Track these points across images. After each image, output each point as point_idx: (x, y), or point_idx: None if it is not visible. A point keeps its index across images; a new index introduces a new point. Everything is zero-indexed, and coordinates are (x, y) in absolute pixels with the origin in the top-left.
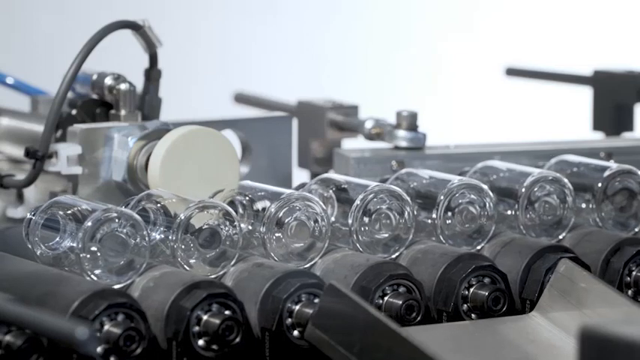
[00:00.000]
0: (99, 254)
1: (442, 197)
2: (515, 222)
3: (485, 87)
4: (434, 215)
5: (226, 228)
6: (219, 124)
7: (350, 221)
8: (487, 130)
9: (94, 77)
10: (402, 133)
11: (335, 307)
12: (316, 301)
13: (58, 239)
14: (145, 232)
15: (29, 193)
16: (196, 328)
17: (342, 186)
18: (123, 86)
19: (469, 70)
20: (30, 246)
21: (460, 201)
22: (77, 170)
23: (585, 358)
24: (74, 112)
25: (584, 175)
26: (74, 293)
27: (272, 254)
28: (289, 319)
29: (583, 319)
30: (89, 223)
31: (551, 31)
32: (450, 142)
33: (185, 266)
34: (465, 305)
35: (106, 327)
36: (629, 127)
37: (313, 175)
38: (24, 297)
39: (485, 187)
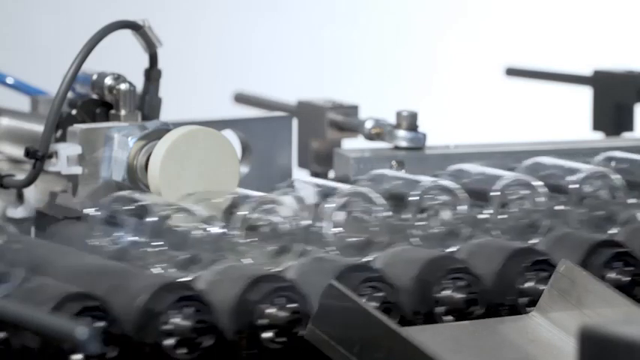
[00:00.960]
0: (163, 248)
1: (494, 193)
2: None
3: (485, 87)
4: (490, 210)
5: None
6: (219, 124)
7: (408, 216)
8: (487, 130)
9: (94, 77)
10: (402, 133)
11: (335, 307)
12: (379, 294)
13: (120, 233)
14: (207, 227)
15: (29, 193)
16: (263, 321)
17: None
18: (123, 86)
19: (469, 70)
20: (92, 241)
21: (512, 197)
22: (77, 170)
23: (585, 358)
24: (74, 112)
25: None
26: (142, 287)
27: (332, 248)
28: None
29: (583, 319)
30: (154, 218)
31: (551, 31)
32: (450, 142)
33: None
34: (524, 299)
35: (176, 320)
36: (629, 127)
37: (313, 175)
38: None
39: (538, 182)
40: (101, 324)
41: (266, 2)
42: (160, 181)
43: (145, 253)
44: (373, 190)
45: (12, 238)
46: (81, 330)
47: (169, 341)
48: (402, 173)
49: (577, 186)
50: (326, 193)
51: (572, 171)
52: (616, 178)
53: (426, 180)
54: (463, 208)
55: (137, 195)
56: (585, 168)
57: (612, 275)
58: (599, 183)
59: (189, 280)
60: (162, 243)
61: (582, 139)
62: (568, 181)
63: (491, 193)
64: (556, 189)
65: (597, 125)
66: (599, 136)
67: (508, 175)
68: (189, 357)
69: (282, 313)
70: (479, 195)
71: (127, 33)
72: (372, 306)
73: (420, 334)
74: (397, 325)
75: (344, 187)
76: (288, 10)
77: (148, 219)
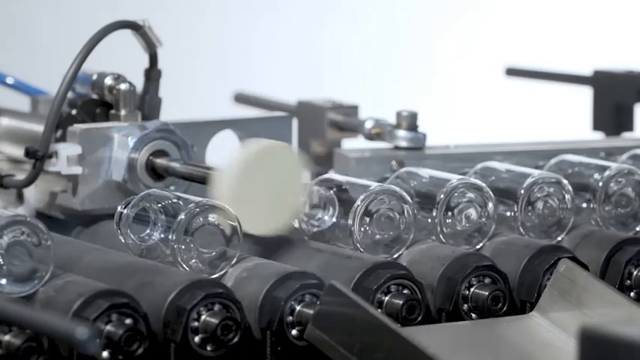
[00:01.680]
0: (192, 246)
1: (522, 192)
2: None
3: (485, 87)
4: (515, 209)
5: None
6: (219, 124)
7: (434, 214)
8: (487, 130)
9: (94, 77)
10: (402, 133)
11: (335, 307)
12: (405, 292)
13: (149, 231)
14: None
15: (29, 193)
16: (290, 318)
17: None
18: (123, 86)
19: (469, 70)
20: (121, 238)
21: (538, 195)
22: (77, 170)
23: (585, 358)
24: (74, 112)
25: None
26: (171, 284)
27: (358, 245)
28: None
29: (583, 319)
30: (183, 216)
31: (551, 31)
32: (450, 142)
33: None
34: None
35: (203, 317)
36: (629, 127)
37: (313, 175)
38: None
39: (564, 181)
40: (130, 321)
41: (266, 2)
42: (227, 196)
43: (176, 250)
44: (402, 188)
45: (41, 235)
46: (81, 330)
47: (197, 338)
48: (431, 171)
49: (602, 184)
50: (357, 191)
51: (601, 168)
52: None
53: (454, 178)
54: (491, 206)
55: (166, 192)
56: (614, 166)
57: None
58: (624, 181)
59: (217, 278)
60: (191, 240)
61: (582, 139)
62: (595, 178)
63: (520, 191)
64: (582, 187)
65: (597, 125)
66: (599, 136)
67: (536, 173)
68: (216, 354)
69: (308, 311)
70: (507, 193)
71: (127, 33)
72: (371, 306)
73: (420, 334)
74: (397, 325)
75: (375, 184)
76: (288, 10)
77: (179, 216)
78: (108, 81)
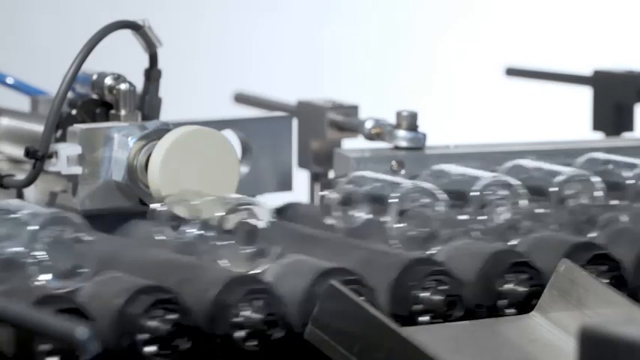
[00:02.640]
0: (231, 242)
1: (554, 189)
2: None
3: (485, 87)
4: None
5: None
6: (219, 124)
7: (469, 210)
8: (487, 130)
9: (94, 77)
10: (402, 133)
11: (335, 307)
12: (441, 288)
13: (185, 228)
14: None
15: (29, 193)
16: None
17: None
18: (123, 86)
19: (469, 70)
20: (157, 235)
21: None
22: (77, 170)
23: (585, 358)
24: (74, 112)
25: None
26: (213, 280)
27: (394, 242)
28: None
29: (583, 319)
30: (222, 213)
31: (551, 31)
32: (450, 142)
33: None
34: None
35: (247, 312)
36: (629, 127)
37: (313, 175)
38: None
39: (597, 179)
40: (174, 316)
41: (266, 2)
42: (160, 181)
43: (214, 247)
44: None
45: (82, 232)
46: (81, 330)
47: (240, 333)
48: (461, 168)
49: (634, 182)
50: (388, 189)
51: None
52: None
53: (486, 176)
54: (523, 203)
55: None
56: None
57: None
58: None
59: (259, 273)
60: (230, 236)
61: (582, 139)
62: (625, 177)
63: (550, 189)
64: (613, 186)
65: (597, 125)
66: (599, 136)
67: (566, 171)
68: (258, 349)
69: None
70: (536, 191)
71: (127, 33)
72: (371, 306)
73: (420, 334)
74: (397, 325)
75: (407, 182)
76: (288, 10)
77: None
78: (108, 81)
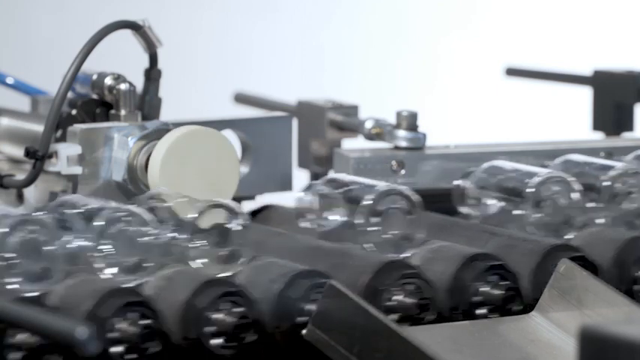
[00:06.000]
0: (376, 228)
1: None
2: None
3: (485, 87)
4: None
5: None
6: (219, 124)
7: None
8: (487, 130)
9: (94, 77)
10: (402, 133)
11: (335, 307)
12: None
13: (331, 217)
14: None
15: (29, 193)
16: (477, 298)
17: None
18: (123, 86)
19: (469, 70)
20: (303, 223)
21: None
22: (77, 170)
23: (585, 358)
24: (74, 112)
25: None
26: (365, 265)
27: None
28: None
29: (583, 319)
30: (369, 201)
31: (551, 31)
32: (450, 142)
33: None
34: None
35: (398, 297)
36: (629, 127)
37: (313, 175)
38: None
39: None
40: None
41: (266, 2)
42: (159, 181)
43: (361, 233)
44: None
45: (242, 218)
46: (81, 330)
47: (393, 317)
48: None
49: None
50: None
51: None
52: None
53: (542, 171)
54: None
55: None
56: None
57: None
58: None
59: (409, 258)
60: (376, 222)
61: (582, 139)
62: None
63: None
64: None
65: (597, 125)
66: (599, 136)
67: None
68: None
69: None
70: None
71: (127, 33)
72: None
73: (420, 334)
74: (397, 325)
75: (543, 170)
76: (288, 10)
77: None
78: (108, 81)
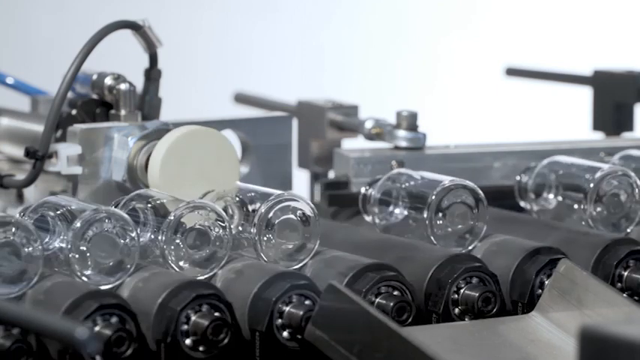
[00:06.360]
0: (443, 221)
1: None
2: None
3: (485, 87)
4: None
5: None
6: (219, 124)
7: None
8: (487, 130)
9: (94, 77)
10: (402, 133)
11: (335, 307)
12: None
13: (391, 209)
14: None
15: (29, 193)
16: (539, 291)
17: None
18: (123, 86)
19: (469, 70)
20: (367, 217)
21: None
22: (77, 170)
23: (585, 358)
24: (74, 112)
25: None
26: (431, 258)
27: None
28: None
29: (583, 319)
30: (435, 195)
31: (551, 31)
32: (450, 142)
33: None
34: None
35: (465, 290)
36: (629, 127)
37: (313, 175)
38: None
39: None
40: (398, 293)
41: (266, 2)
42: (160, 181)
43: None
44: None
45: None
46: (81, 330)
47: (455, 311)
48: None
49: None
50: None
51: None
52: None
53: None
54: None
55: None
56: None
57: None
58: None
59: (471, 250)
60: (442, 215)
61: (582, 139)
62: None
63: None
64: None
65: (597, 125)
66: (599, 136)
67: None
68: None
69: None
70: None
71: (127, 33)
72: (371, 306)
73: (420, 334)
74: (397, 325)
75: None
76: (288, 10)
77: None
78: (108, 81)
